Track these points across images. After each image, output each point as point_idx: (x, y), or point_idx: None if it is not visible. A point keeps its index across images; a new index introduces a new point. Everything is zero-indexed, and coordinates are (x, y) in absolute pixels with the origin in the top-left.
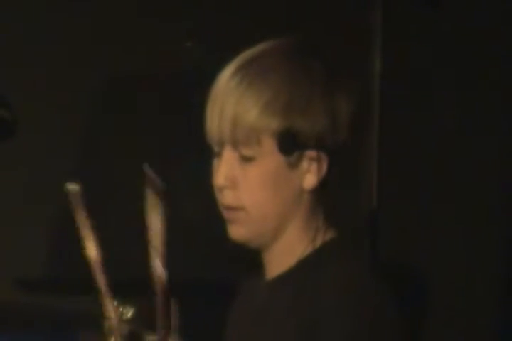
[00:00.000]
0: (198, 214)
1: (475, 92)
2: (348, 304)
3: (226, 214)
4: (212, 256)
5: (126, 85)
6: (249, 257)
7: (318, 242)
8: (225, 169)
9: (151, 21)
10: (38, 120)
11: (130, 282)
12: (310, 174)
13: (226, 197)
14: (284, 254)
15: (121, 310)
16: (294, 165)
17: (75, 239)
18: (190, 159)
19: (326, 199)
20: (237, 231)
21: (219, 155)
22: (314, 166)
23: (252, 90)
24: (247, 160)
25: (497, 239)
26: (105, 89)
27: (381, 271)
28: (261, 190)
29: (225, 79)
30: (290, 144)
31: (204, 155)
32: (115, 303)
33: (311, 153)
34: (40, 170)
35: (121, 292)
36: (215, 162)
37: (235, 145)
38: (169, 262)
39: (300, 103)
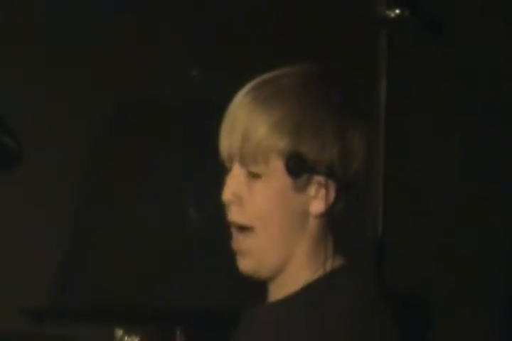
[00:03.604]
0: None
1: (476, 116)
2: (358, 331)
3: (235, 243)
4: (216, 284)
5: (133, 110)
6: (254, 286)
7: (327, 269)
8: (232, 185)
9: (158, 50)
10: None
11: (136, 311)
12: (317, 200)
13: (233, 213)
14: (291, 280)
15: (126, 339)
16: (301, 189)
17: (77, 270)
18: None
19: (333, 227)
20: (245, 263)
21: (230, 171)
22: (322, 192)
23: (263, 108)
24: (253, 176)
25: (495, 268)
26: (113, 113)
27: (387, 297)
28: (266, 209)
29: (240, 96)
30: (298, 166)
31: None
32: (121, 332)
33: (320, 179)
34: (45, 196)
35: (127, 320)
36: (227, 178)
37: (243, 161)
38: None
39: (310, 126)
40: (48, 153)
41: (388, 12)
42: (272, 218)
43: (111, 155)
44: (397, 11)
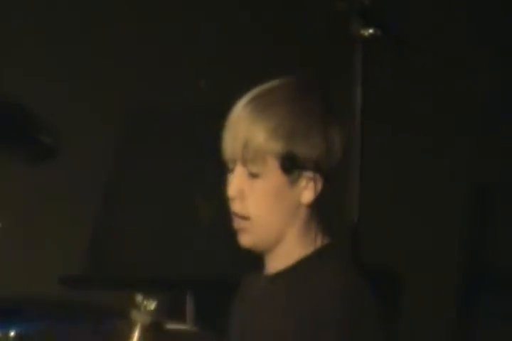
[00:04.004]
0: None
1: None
2: (341, 299)
3: (236, 223)
4: (220, 257)
5: (148, 113)
6: (252, 257)
7: (313, 247)
8: (235, 183)
9: (174, 63)
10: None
11: (154, 279)
12: (307, 191)
13: (235, 206)
14: (284, 257)
15: (145, 303)
16: (293, 183)
17: (105, 244)
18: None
19: (319, 212)
20: (244, 239)
21: (232, 170)
22: (311, 185)
23: (260, 118)
24: (254, 176)
25: (457, 244)
26: (138, 118)
27: (363, 270)
28: (264, 202)
29: (239, 108)
30: (291, 165)
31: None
32: (141, 297)
33: (309, 174)
34: (79, 180)
35: (146, 287)
36: (229, 176)
37: (245, 163)
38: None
39: (301, 131)
40: (80, 147)
41: (363, 31)
42: (269, 208)
43: (141, 154)
44: (371, 31)
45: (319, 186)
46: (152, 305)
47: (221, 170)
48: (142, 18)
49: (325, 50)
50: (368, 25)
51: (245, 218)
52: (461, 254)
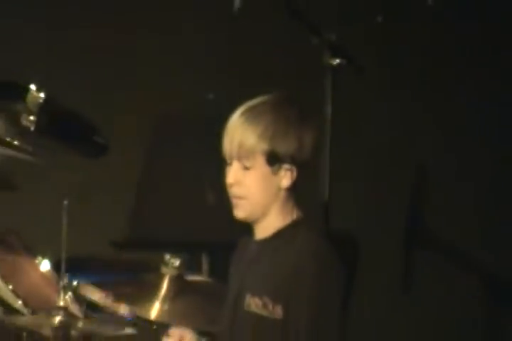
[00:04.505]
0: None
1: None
2: (316, 261)
3: (234, 201)
4: (223, 225)
5: (172, 119)
6: (246, 227)
7: (291, 219)
8: (233, 174)
9: (186, 79)
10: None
11: (178, 243)
12: (285, 179)
13: (233, 190)
14: (268, 226)
15: (171, 260)
16: (275, 173)
17: (145, 214)
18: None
19: (294, 194)
20: (239, 213)
21: (230, 165)
22: (288, 174)
23: (251, 126)
24: (246, 168)
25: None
26: (161, 122)
27: (330, 236)
28: (254, 187)
29: (235, 118)
30: (273, 160)
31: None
32: (168, 256)
33: (287, 166)
34: (126, 166)
35: (173, 248)
36: (228, 169)
37: (239, 159)
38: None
39: (281, 135)
40: (124, 146)
41: (331, 61)
42: (258, 191)
43: (168, 151)
44: (338, 60)
45: (294, 175)
46: (177, 262)
47: (222, 164)
48: (174, 34)
49: (302, 75)
50: (335, 57)
51: (240, 198)
52: (404, 222)
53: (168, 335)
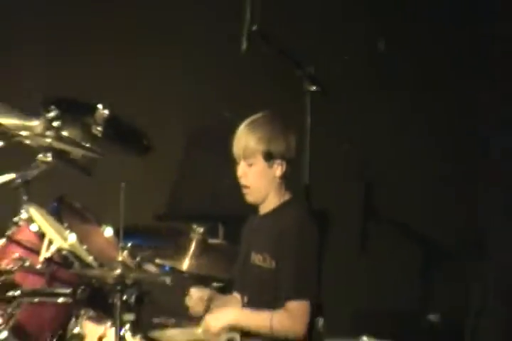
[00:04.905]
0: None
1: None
2: (299, 227)
3: (243, 190)
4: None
5: (197, 132)
6: (254, 208)
7: (283, 199)
8: (241, 169)
9: (204, 99)
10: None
11: (201, 215)
12: (278, 170)
13: (242, 181)
14: (268, 206)
15: (197, 228)
16: (271, 166)
17: (178, 194)
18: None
19: (285, 181)
20: (248, 198)
21: (238, 163)
22: (280, 167)
23: (252, 134)
24: (250, 165)
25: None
26: (196, 129)
27: (312, 212)
28: (256, 178)
29: (240, 129)
30: (269, 157)
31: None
32: (195, 225)
33: (278, 161)
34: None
35: (198, 219)
36: (238, 166)
37: (245, 158)
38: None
39: (274, 140)
40: (165, 146)
41: (310, 88)
42: (259, 181)
43: (198, 152)
44: (314, 87)
45: (284, 167)
46: (201, 230)
47: (233, 163)
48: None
49: (289, 98)
50: (313, 84)
51: (247, 187)
52: (364, 199)
53: (189, 294)
